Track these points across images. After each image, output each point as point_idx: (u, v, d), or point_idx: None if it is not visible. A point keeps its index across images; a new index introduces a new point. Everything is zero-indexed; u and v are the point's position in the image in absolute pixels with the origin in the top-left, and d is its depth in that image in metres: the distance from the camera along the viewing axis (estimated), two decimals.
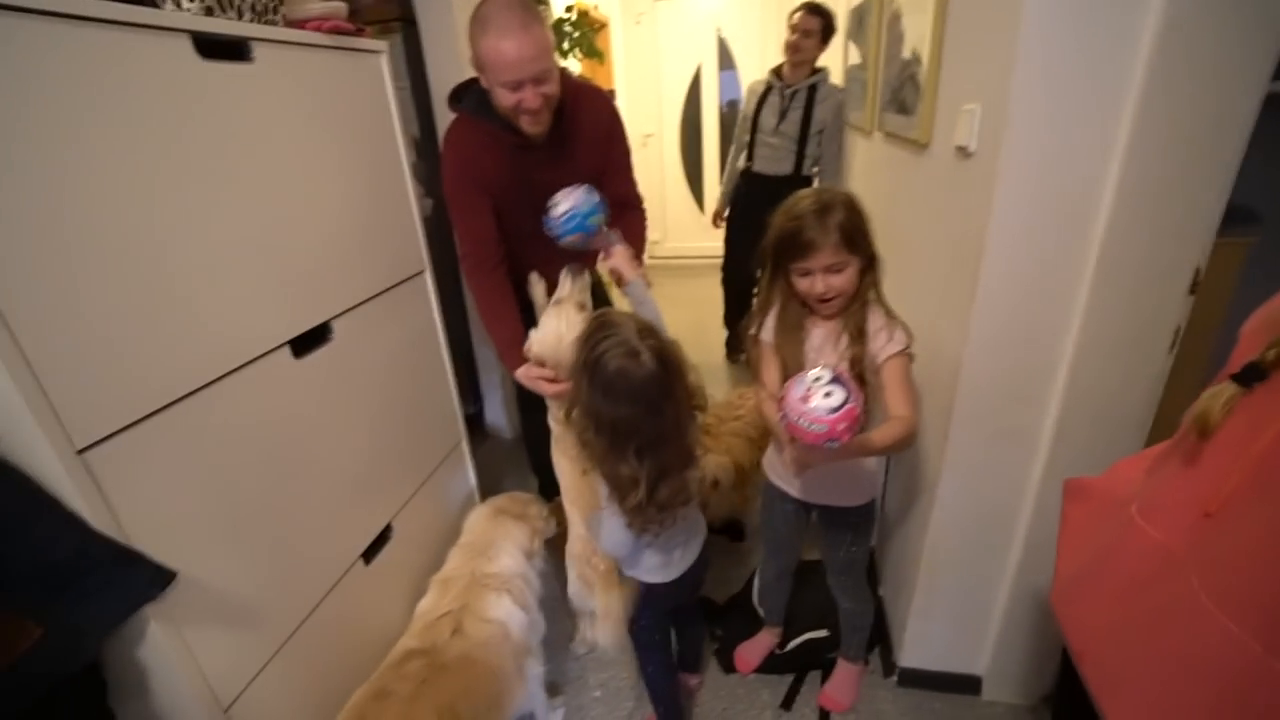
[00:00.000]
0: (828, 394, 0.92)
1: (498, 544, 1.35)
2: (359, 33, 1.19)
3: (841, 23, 2.59)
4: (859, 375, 1.10)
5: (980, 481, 1.24)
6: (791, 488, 1.29)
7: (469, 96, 1.36)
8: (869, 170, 2.08)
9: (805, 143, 2.50)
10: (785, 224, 1.08)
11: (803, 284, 1.10)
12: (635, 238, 1.57)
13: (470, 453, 1.68)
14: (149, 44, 0.79)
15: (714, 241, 5.07)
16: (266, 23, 0.99)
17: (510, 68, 1.18)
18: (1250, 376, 0.50)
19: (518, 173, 1.35)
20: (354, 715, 1.04)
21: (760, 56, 4.58)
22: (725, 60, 4.64)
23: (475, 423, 2.62)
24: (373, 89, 1.26)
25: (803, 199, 1.08)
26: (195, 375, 0.85)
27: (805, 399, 0.94)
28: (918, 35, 1.40)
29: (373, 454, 1.24)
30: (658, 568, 1.17)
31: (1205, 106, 0.90)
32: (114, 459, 0.75)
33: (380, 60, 1.26)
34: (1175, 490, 0.57)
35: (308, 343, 1.06)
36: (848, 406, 0.91)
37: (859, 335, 1.10)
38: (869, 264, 1.09)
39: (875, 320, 1.11)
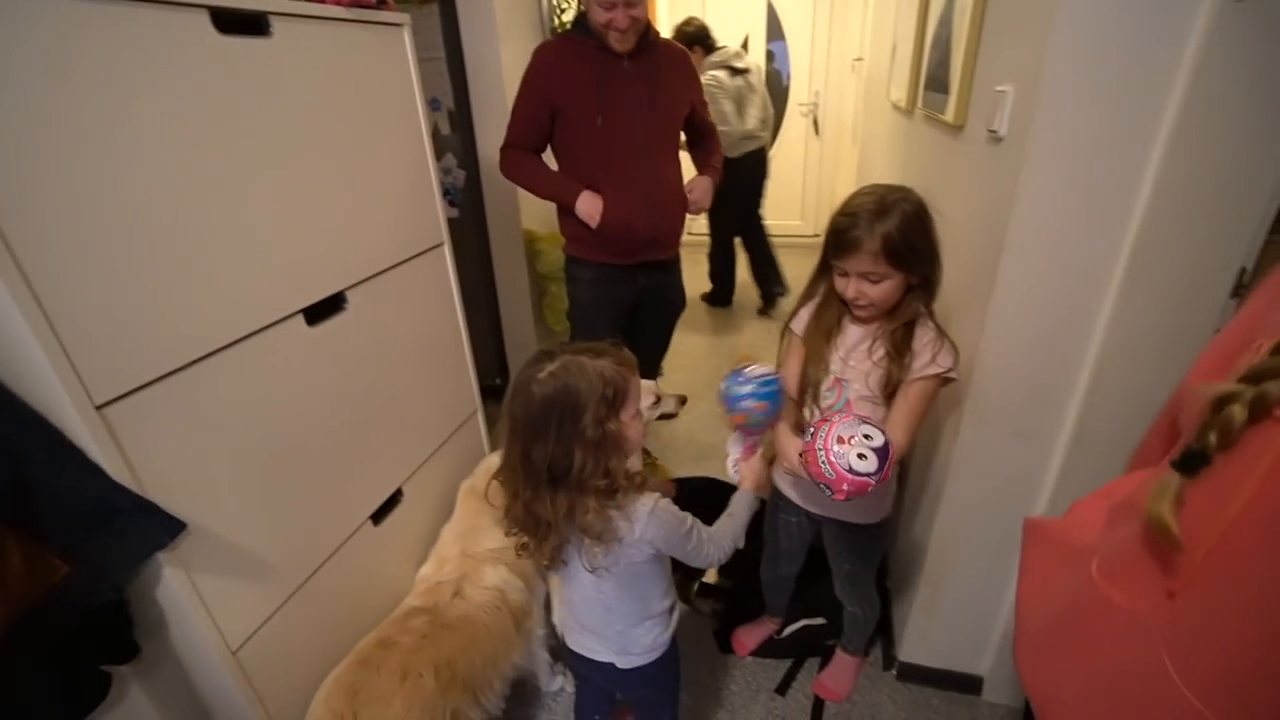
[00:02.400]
0: (862, 455, 0.90)
1: (479, 527, 1.37)
2: (381, 5, 1.20)
3: None
4: (891, 395, 1.07)
5: (991, 482, 1.20)
6: (798, 497, 1.26)
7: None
8: (908, 152, 1.99)
9: None
10: (838, 217, 1.03)
11: (839, 282, 1.06)
12: (717, 156, 1.89)
13: (487, 422, 1.72)
14: (167, 19, 0.81)
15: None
16: None
17: None
18: (1195, 463, 0.46)
19: (598, 76, 1.56)
20: (357, 659, 1.11)
21: (811, 25, 4.41)
22: (774, 30, 4.48)
23: (499, 394, 2.67)
24: (395, 62, 1.27)
25: (866, 194, 1.01)
26: (210, 339, 0.90)
27: (842, 441, 0.92)
28: (962, 7, 1.32)
29: (385, 420, 1.29)
30: (563, 621, 1.10)
31: (1262, 90, 0.83)
32: (132, 415, 0.80)
33: (403, 33, 1.27)
34: (1137, 555, 0.52)
35: (321, 311, 1.10)
36: (864, 479, 0.89)
37: (898, 354, 1.05)
38: (922, 282, 1.04)
39: (923, 336, 1.05)
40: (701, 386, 2.96)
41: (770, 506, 1.36)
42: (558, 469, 0.83)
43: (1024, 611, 0.67)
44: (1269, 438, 0.42)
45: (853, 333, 1.11)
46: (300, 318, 1.05)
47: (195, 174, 0.86)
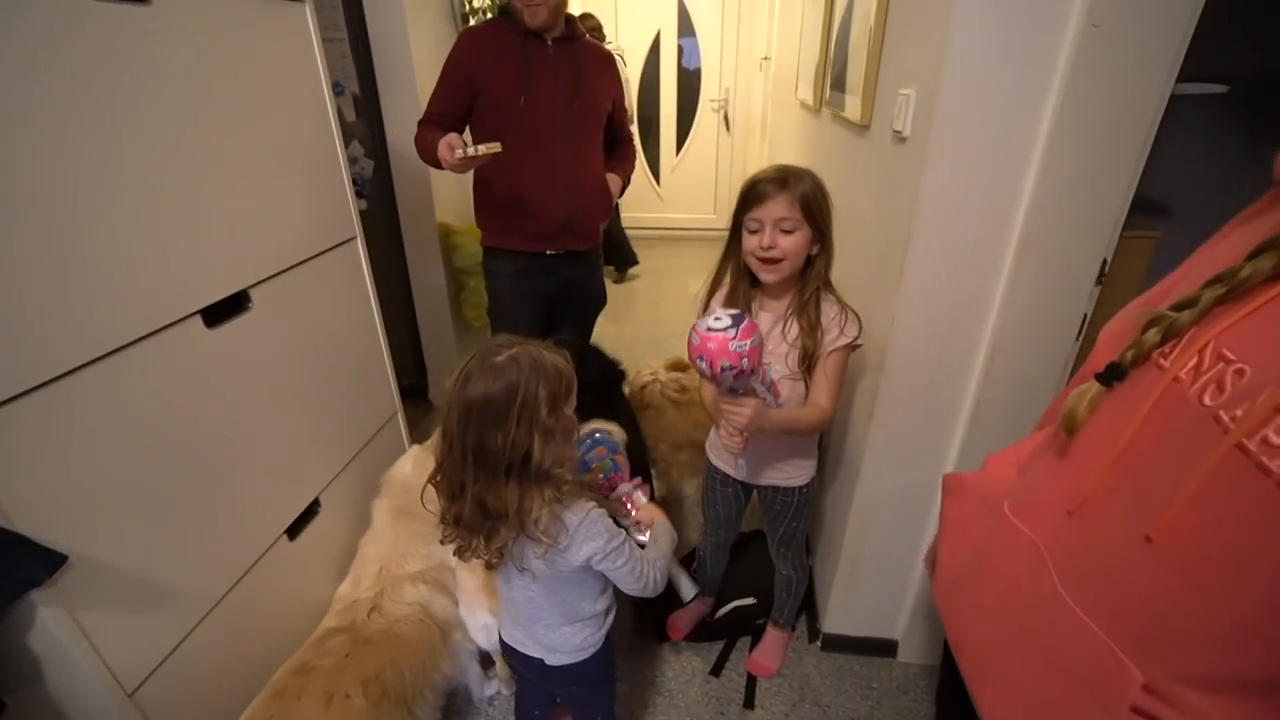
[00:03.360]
0: (718, 318, 0.96)
1: (406, 551, 1.31)
2: None
3: None
4: (810, 368, 1.13)
5: (902, 459, 1.29)
6: (732, 469, 1.31)
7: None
8: (816, 149, 2.09)
9: None
10: (746, 185, 1.10)
11: (751, 241, 1.09)
12: (629, 164, 1.93)
13: (408, 424, 1.64)
14: None
15: (669, 212, 5.05)
16: None
17: None
18: (1111, 376, 0.52)
19: (521, 57, 1.54)
20: (274, 691, 1.03)
21: (720, 23, 4.51)
22: (685, 26, 4.55)
23: (418, 394, 2.56)
24: (297, 41, 1.17)
25: (772, 167, 1.10)
26: (89, 346, 0.80)
27: (701, 314, 1.06)
28: (864, 14, 1.39)
29: (298, 427, 1.20)
30: (499, 613, 1.08)
31: (1117, 103, 0.94)
32: None
33: (304, 9, 1.18)
34: (1044, 487, 0.58)
35: (222, 313, 1.00)
36: (722, 334, 0.94)
37: (811, 330, 1.12)
38: (822, 246, 1.11)
39: (829, 311, 1.13)
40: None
41: (707, 481, 1.41)
42: (515, 455, 0.80)
43: (944, 558, 0.72)
44: (1154, 382, 0.48)
45: (765, 319, 1.16)
46: (198, 319, 0.96)
47: (65, 157, 0.76)
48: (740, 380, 0.98)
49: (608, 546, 0.91)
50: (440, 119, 1.59)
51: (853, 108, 1.46)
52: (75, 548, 0.77)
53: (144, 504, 0.88)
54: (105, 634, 0.82)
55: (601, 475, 1.13)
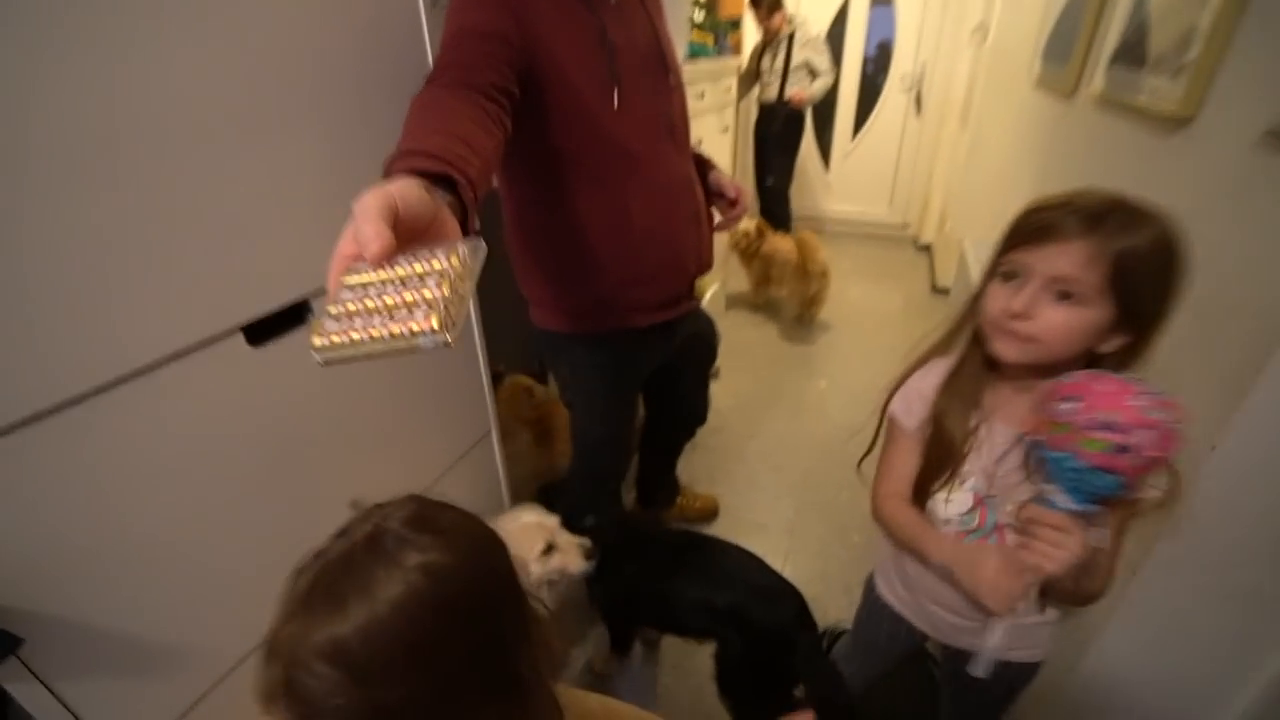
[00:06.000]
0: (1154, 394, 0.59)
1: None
2: None
3: None
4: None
5: (1173, 648, 0.84)
6: (920, 621, 0.90)
7: None
8: (1057, 147, 1.55)
9: (786, 76, 3.39)
10: (1027, 209, 0.69)
11: (999, 296, 0.70)
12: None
13: (500, 444, 1.46)
14: None
15: (836, 204, 4.50)
16: None
17: None
18: None
19: (593, 23, 0.94)
20: None
21: None
22: None
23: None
24: (401, 7, 0.97)
25: (1096, 193, 0.67)
26: (80, 377, 0.64)
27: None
28: None
29: (369, 451, 1.04)
30: None
31: None
32: None
33: None
34: None
35: (271, 328, 0.84)
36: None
37: None
38: (1131, 344, 0.67)
39: None
40: (767, 395, 2.61)
41: (868, 607, 1.02)
42: None
43: None
44: None
45: (999, 432, 0.75)
46: (239, 337, 0.80)
47: (97, 131, 0.60)
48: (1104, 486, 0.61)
49: None
50: (469, 70, 0.80)
51: (1158, 90, 0.97)
52: (63, 612, 0.64)
53: (151, 560, 0.74)
54: (96, 707, 0.69)
55: None
